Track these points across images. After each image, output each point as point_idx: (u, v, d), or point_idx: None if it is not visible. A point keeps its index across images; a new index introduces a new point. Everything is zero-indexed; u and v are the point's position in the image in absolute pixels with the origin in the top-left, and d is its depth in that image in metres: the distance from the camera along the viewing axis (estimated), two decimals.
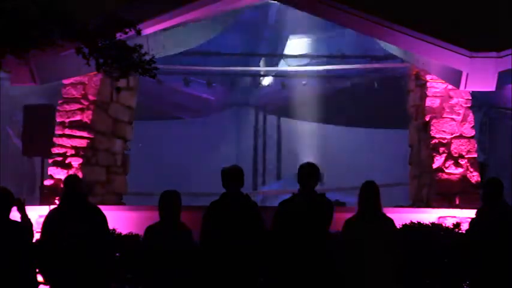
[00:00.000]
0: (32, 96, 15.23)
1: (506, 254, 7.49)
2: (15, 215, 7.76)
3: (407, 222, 9.71)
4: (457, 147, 11.58)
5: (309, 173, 7.67)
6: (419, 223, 9.72)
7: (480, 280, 7.67)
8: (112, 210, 9.63)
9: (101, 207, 7.99)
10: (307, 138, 19.48)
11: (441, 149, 11.58)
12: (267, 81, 19.57)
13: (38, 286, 7.73)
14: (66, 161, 11.69)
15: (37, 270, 7.69)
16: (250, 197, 7.92)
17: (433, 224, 9.82)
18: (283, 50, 18.91)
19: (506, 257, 7.48)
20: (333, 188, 15.97)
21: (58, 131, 11.87)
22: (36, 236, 7.87)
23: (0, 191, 7.63)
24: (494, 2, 11.36)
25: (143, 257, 7.67)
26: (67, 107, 11.91)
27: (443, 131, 11.66)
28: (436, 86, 11.82)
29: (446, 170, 11.51)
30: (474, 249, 7.67)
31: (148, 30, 10.75)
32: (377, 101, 18.26)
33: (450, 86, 11.63)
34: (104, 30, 7.82)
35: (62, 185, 10.63)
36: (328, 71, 18.05)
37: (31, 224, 7.73)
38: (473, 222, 7.85)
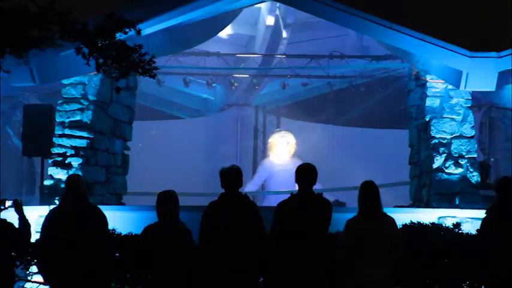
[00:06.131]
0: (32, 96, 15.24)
1: None
2: (13, 215, 7.77)
3: (407, 222, 9.71)
4: (457, 147, 11.58)
5: (306, 173, 7.66)
6: (419, 223, 9.72)
7: (494, 279, 7.63)
8: (112, 210, 9.62)
9: (101, 207, 7.99)
10: (306, 138, 19.45)
11: (441, 149, 11.58)
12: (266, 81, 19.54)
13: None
14: (66, 161, 11.69)
15: (36, 270, 7.70)
16: (249, 197, 7.92)
17: (433, 224, 9.81)
18: (283, 49, 18.90)
19: None
20: (332, 188, 15.96)
21: (58, 131, 11.87)
22: (36, 236, 7.87)
23: None
24: (494, 2, 11.36)
25: (142, 257, 7.66)
26: (67, 107, 11.92)
27: (443, 131, 11.66)
28: (436, 86, 11.82)
29: (446, 170, 11.51)
30: (490, 248, 7.64)
31: (148, 30, 10.75)
32: (377, 101, 18.26)
33: (450, 86, 11.63)
34: (104, 30, 7.81)
35: (62, 185, 10.64)
36: (328, 70, 18.04)
37: (29, 225, 7.72)
38: (485, 221, 7.79)
